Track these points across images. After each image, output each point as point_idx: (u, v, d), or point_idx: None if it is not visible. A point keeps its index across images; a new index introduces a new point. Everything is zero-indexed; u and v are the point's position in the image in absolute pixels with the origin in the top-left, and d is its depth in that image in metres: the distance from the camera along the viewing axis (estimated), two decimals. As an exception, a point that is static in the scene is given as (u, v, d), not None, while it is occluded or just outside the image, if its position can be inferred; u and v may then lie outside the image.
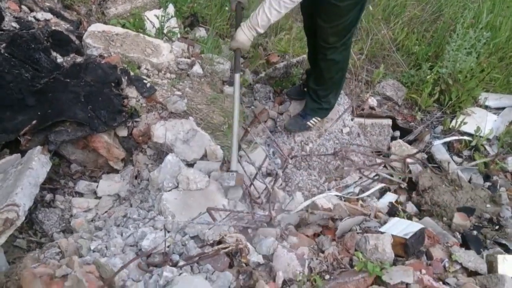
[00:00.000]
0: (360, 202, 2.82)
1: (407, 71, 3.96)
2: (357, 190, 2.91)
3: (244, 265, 1.99)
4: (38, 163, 2.25)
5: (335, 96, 3.02)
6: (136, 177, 2.72)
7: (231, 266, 2.00)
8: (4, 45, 2.65)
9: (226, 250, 1.91)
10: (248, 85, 3.66)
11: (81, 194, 2.64)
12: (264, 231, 2.22)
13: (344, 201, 2.72)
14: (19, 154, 2.45)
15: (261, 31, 2.48)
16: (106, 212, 2.54)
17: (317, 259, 2.13)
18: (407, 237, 2.15)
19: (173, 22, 3.77)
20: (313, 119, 3.02)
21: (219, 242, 2.00)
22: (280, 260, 2.02)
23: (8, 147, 2.52)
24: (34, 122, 2.44)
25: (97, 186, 2.65)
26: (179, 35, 3.71)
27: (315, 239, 2.30)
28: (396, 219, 2.40)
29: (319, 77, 2.88)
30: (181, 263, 1.90)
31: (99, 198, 2.63)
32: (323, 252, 2.20)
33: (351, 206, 2.63)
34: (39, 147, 2.39)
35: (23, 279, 1.78)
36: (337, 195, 2.76)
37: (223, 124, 3.09)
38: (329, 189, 2.85)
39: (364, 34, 4.21)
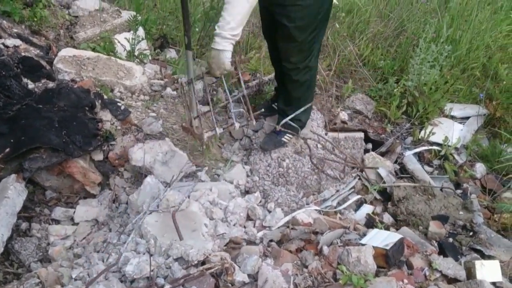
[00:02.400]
0: (339, 215, 2.87)
1: (375, 85, 4.09)
2: (334, 203, 2.96)
3: (230, 285, 1.99)
4: (14, 192, 2.20)
5: (305, 114, 3.07)
6: (114, 201, 2.69)
7: (216, 287, 1.99)
8: (-27, 72, 2.60)
9: (212, 270, 1.91)
10: (222, 104, 3.69)
11: (57, 221, 2.58)
12: (247, 249, 2.23)
13: (323, 214, 2.77)
14: (-9, 184, 2.39)
15: (238, 31, 2.29)
16: (84, 238, 2.50)
17: (301, 274, 2.14)
18: (388, 247, 2.20)
19: (143, 45, 3.77)
20: (287, 135, 3.06)
21: (204, 262, 1.99)
22: (265, 278, 2.02)
23: (-21, 177, 2.46)
24: (7, 150, 2.38)
25: (74, 212, 2.60)
26: (150, 57, 3.72)
27: (298, 255, 2.32)
28: (375, 230, 2.45)
29: (287, 97, 2.95)
30: (167, 286, 1.88)
31: (77, 224, 2.58)
32: (306, 267, 2.22)
33: (331, 220, 2.67)
34: (13, 175, 2.34)
35: (4, 313, 1.73)
36: (316, 209, 2.80)
37: (200, 145, 3.09)
38: (307, 204, 2.89)
39: (331, 50, 4.32)
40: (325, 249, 2.30)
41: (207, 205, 2.49)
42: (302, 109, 2.98)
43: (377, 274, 2.11)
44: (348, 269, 2.12)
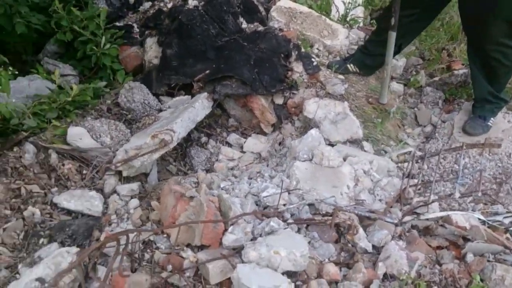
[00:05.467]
0: (507, 235, 2.50)
1: None
2: (506, 221, 2.57)
3: (350, 245, 1.99)
4: (200, 105, 2.58)
5: (507, 94, 3.02)
6: (279, 144, 2.89)
7: (336, 242, 2.01)
8: (202, 3, 3.06)
9: (335, 221, 1.93)
10: (419, 86, 3.51)
11: (230, 145, 2.93)
12: (381, 223, 2.16)
13: (488, 227, 2.45)
14: (190, 96, 2.84)
15: None
16: (245, 165, 2.77)
17: (430, 269, 1.99)
18: (546, 280, 1.85)
19: (359, 11, 3.81)
20: (492, 119, 2.97)
21: (332, 216, 2.02)
22: (388, 254, 1.95)
23: (184, 90, 2.94)
24: (207, 71, 2.78)
25: (244, 142, 2.91)
26: (361, 24, 3.74)
27: (436, 251, 2.14)
28: (541, 260, 2.07)
29: (492, 83, 2.83)
30: (290, 221, 2.00)
31: (244, 152, 2.89)
32: (440, 265, 2.04)
33: (492, 234, 2.35)
34: (205, 94, 2.74)
35: (162, 191, 2.12)
36: (480, 219, 2.49)
37: (377, 117, 3.04)
38: (473, 210, 2.59)
39: None
40: (469, 257, 2.07)
41: (359, 173, 2.48)
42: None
43: (518, 302, 1.82)
44: (486, 284, 1.88)
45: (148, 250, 1.94)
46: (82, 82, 3.05)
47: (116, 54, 3.10)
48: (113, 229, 2.09)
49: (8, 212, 2.09)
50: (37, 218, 2.09)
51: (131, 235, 1.81)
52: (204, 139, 2.91)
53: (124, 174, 2.38)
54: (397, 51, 3.18)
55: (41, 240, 2.02)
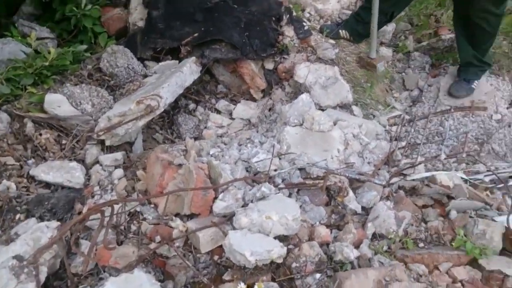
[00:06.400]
0: (487, 192, 2.59)
1: None
2: (487, 179, 2.66)
3: (340, 207, 2.05)
4: (188, 70, 2.55)
5: (490, 58, 3.10)
6: (269, 109, 2.90)
7: (327, 205, 2.07)
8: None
9: (326, 184, 1.97)
10: (407, 52, 3.52)
11: (218, 112, 2.93)
12: (370, 185, 2.21)
13: (470, 186, 2.54)
14: (177, 61, 2.81)
15: None
16: (235, 132, 2.78)
17: (417, 227, 2.07)
18: (526, 232, 1.94)
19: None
20: (476, 81, 3.06)
21: (322, 179, 2.06)
22: (377, 214, 2.02)
23: (170, 54, 2.89)
24: (195, 35, 2.74)
25: (234, 109, 2.91)
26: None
27: (422, 210, 2.22)
28: (521, 215, 2.17)
29: (475, 47, 2.91)
30: (281, 186, 2.03)
31: (233, 119, 2.89)
32: (426, 223, 2.13)
33: (474, 192, 2.43)
34: (193, 58, 2.71)
35: (148, 160, 2.10)
36: (463, 178, 2.58)
37: (366, 82, 3.06)
38: (456, 170, 2.67)
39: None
40: (453, 214, 2.16)
41: (349, 137, 2.52)
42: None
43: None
44: (469, 239, 1.97)
45: (135, 222, 1.90)
46: (60, 46, 2.90)
47: (98, 16, 2.97)
48: (96, 201, 2.01)
49: (-20, 186, 1.95)
50: (12, 192, 1.97)
51: (116, 206, 1.72)
52: (192, 106, 2.90)
53: (107, 143, 2.29)
54: (389, 19, 3.19)
55: (18, 216, 1.91)
